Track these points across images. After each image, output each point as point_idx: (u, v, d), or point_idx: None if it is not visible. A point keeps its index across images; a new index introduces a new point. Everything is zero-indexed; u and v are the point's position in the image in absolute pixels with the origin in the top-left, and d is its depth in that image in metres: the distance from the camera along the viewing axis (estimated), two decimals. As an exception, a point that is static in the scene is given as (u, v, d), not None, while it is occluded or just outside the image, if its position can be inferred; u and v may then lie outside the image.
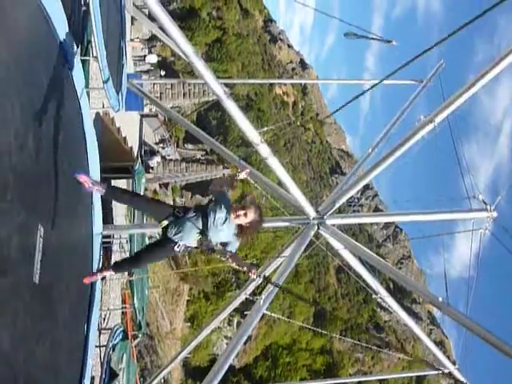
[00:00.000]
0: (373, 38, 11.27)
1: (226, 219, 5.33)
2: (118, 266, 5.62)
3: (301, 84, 70.94)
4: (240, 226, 5.38)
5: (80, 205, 6.39)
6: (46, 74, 5.11)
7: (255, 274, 5.60)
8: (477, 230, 7.86)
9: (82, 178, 5.02)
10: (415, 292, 7.99)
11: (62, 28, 5.62)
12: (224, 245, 5.49)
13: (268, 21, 70.55)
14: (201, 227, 5.28)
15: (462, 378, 10.44)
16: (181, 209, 5.48)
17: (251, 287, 9.73)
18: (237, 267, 5.66)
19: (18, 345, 3.87)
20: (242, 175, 5.77)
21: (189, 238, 5.33)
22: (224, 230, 5.33)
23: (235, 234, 5.41)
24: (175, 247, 5.33)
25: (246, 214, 5.31)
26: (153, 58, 32.23)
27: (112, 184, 5.60)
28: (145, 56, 32.06)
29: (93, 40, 9.11)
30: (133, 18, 26.01)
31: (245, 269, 5.58)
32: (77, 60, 6.15)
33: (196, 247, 5.48)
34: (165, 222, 5.36)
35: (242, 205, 5.42)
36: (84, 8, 10.12)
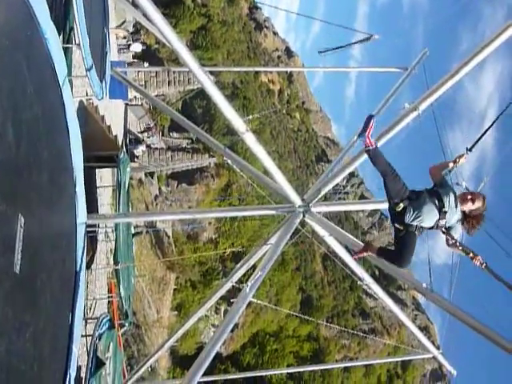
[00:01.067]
0: (349, 45, 11.29)
1: (456, 203, 5.60)
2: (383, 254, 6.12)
3: (286, 72, 70.70)
4: (464, 214, 5.66)
5: (63, 194, 6.32)
6: (26, 62, 5.03)
7: (479, 261, 5.67)
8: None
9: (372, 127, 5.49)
10: (400, 279, 8.06)
11: (43, 15, 5.53)
12: (448, 229, 5.75)
13: (253, 8, 70.05)
14: (439, 207, 5.55)
15: (445, 363, 10.63)
16: (412, 192, 5.71)
17: (237, 275, 9.77)
18: (462, 253, 5.81)
19: (13, 336, 3.85)
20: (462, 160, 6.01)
21: (428, 219, 5.59)
22: (455, 213, 5.61)
23: (459, 220, 5.70)
24: (416, 231, 5.62)
25: (473, 200, 5.54)
26: (137, 47, 31.90)
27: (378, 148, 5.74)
28: (129, 45, 31.72)
29: (75, 27, 8.99)
30: (116, 5, 25.66)
31: (471, 255, 5.70)
32: (59, 47, 6.05)
33: (430, 228, 5.76)
34: (401, 205, 5.61)
35: (471, 191, 5.70)
36: (66, -6, 9.99)
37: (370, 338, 53.77)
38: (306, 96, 79.97)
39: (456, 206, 5.64)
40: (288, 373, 46.72)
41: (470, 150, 6.27)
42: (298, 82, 76.84)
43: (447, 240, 5.84)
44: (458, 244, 5.72)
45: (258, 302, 8.69)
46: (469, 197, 5.59)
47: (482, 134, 6.55)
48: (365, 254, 6.67)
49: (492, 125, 6.61)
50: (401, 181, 5.78)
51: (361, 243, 7.97)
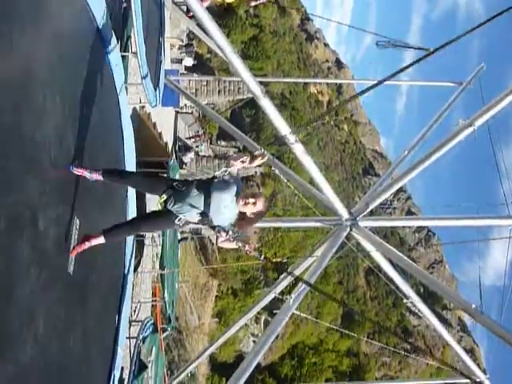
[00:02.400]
0: (406, 47, 11.07)
1: (230, 203, 4.96)
2: (109, 230, 5.02)
3: (336, 83, 70.37)
4: (241, 214, 5.03)
5: (116, 198, 6.49)
6: (86, 68, 5.21)
7: (252, 248, 5.21)
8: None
9: (78, 170, 4.79)
10: (447, 298, 7.86)
11: (103, 23, 5.72)
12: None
13: (305, 19, 70.22)
14: (202, 208, 4.90)
15: (492, 388, 10.23)
16: (181, 182, 5.10)
17: (281, 286, 9.73)
18: (234, 246, 5.19)
19: (50, 335, 3.96)
20: (258, 161, 5.21)
21: (190, 214, 4.98)
22: (225, 213, 4.96)
23: (233, 223, 5.03)
24: (176, 220, 5.00)
25: (255, 204, 4.93)
26: (189, 62, 32.55)
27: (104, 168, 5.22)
28: (181, 59, 32.40)
29: (132, 36, 9.23)
30: (171, 14, 26.24)
31: (246, 247, 5.14)
32: (117, 55, 6.24)
33: (197, 223, 5.14)
34: (164, 196, 5.02)
35: (253, 193, 5.03)
36: (125, 4, 10.28)
37: (411, 357, 52.42)
38: (355, 108, 79.32)
39: (232, 203, 4.97)
40: (326, 387, 46.09)
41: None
42: (347, 93, 76.28)
43: (217, 238, 5.15)
44: (231, 239, 5.03)
45: (301, 314, 8.63)
46: (251, 201, 4.91)
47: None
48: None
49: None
50: (150, 179, 5.55)
51: (410, 261, 7.82)
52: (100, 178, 5.02)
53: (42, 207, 3.86)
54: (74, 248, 4.62)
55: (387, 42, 10.42)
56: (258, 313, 38.44)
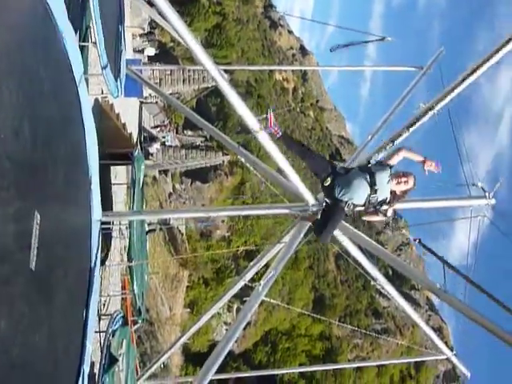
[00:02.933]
0: (361, 43, 11.19)
1: (388, 181, 5.69)
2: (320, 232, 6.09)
3: (301, 70, 70.54)
4: (393, 192, 5.77)
5: (78, 191, 6.38)
6: (43, 60, 5.08)
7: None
8: (475, 217, 7.86)
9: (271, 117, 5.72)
10: (413, 279, 8.02)
11: (60, 13, 5.58)
12: (380, 203, 5.87)
13: (268, 6, 69.99)
14: (370, 182, 5.66)
15: (459, 364, 10.54)
16: (341, 167, 5.91)
17: (251, 273, 9.77)
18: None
19: (14, 332, 3.89)
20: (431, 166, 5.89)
21: (358, 195, 5.70)
22: (384, 190, 5.71)
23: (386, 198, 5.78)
24: (346, 207, 5.73)
25: (406, 182, 5.69)
26: (151, 52, 32.19)
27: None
28: (143, 49, 31.96)
29: (91, 25, 9.06)
30: (131, 3, 25.79)
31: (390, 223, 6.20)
32: (75, 46, 6.10)
33: (362, 205, 5.85)
34: (329, 180, 5.75)
35: (404, 172, 5.76)
36: (82, -7, 10.06)
37: (382, 337, 53.51)
38: (320, 94, 79.74)
39: (388, 183, 5.75)
40: (300, 372, 46.69)
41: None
42: (312, 80, 76.67)
43: (366, 209, 5.96)
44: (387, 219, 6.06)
45: (271, 300, 8.69)
46: (403, 179, 5.69)
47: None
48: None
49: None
50: (319, 157, 6.24)
51: (377, 244, 7.94)
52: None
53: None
54: None
55: (340, 45, 10.53)
56: (230, 301, 38.56)
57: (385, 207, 5.90)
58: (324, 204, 6.15)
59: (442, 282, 7.10)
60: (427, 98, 7.86)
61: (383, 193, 5.74)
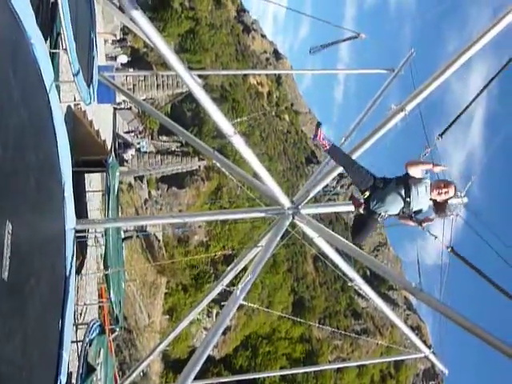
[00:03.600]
0: (339, 41, 11.35)
1: (426, 191, 5.90)
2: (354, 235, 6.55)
3: (275, 74, 70.82)
4: (435, 201, 5.99)
5: (51, 200, 6.30)
6: (12, 68, 5.01)
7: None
8: (448, 216, 7.98)
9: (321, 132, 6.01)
10: (389, 278, 8.11)
11: (29, 20, 5.51)
12: (416, 213, 6.11)
13: (241, 11, 70.17)
14: (404, 196, 5.91)
15: (437, 362, 10.69)
16: (380, 179, 6.09)
17: (228, 278, 9.76)
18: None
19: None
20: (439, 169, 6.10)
21: (392, 208, 6.00)
22: (422, 201, 5.94)
23: (430, 207, 6.06)
24: (379, 218, 6.05)
25: (447, 193, 5.85)
26: (123, 59, 31.95)
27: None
28: (116, 56, 31.70)
29: (62, 32, 8.96)
30: (103, 9, 25.60)
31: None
32: (45, 53, 6.03)
33: (397, 214, 6.15)
34: (366, 194, 6.05)
35: (445, 182, 5.92)
36: (52, 0, 9.95)
37: (362, 338, 53.90)
38: (294, 98, 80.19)
39: (427, 194, 5.97)
40: (281, 375, 46.68)
41: (441, 135, 6.57)
42: (286, 84, 76.99)
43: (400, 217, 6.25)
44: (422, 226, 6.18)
45: (250, 304, 8.70)
46: (444, 190, 5.86)
47: (461, 112, 6.79)
48: (354, 205, 6.88)
49: (478, 95, 6.83)
50: (363, 170, 6.20)
51: (352, 245, 7.99)
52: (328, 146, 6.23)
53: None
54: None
55: (319, 46, 10.68)
56: (210, 306, 38.46)
57: (420, 217, 6.16)
58: (360, 213, 6.47)
59: (417, 281, 7.19)
60: (400, 100, 7.96)
61: (420, 204, 6.00)
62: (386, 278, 8.05)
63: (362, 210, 6.35)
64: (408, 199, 5.92)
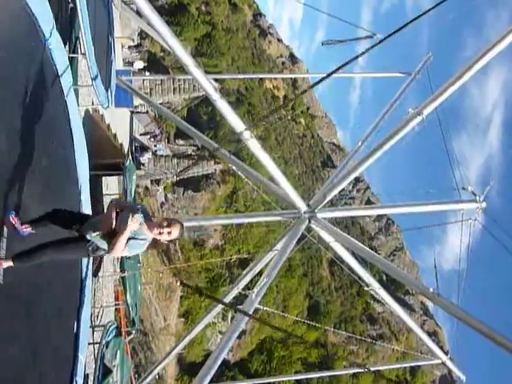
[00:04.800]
0: (353, 39, 11.25)
1: (141, 225, 4.99)
2: (17, 258, 4.81)
3: (291, 78, 70.73)
4: (154, 239, 5.09)
5: (69, 202, 6.35)
6: (32, 72, 5.08)
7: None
8: (466, 220, 7.89)
9: (14, 220, 4.76)
10: (406, 283, 8.04)
11: (48, 26, 5.58)
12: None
13: (257, 15, 70.29)
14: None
15: (454, 368, 10.56)
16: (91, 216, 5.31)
17: (244, 282, 9.75)
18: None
19: (6, 344, 3.85)
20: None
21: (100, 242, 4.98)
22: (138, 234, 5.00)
23: (147, 245, 5.12)
24: (87, 245, 4.91)
25: (170, 233, 4.96)
26: (140, 65, 32.25)
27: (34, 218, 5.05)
28: (132, 62, 32.00)
29: (81, 37, 9.05)
30: (121, 14, 25.87)
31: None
32: (64, 58, 6.10)
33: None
34: (76, 226, 5.03)
35: (168, 221, 5.02)
36: (71, 5, 10.06)
37: (378, 343, 53.42)
38: (310, 102, 79.99)
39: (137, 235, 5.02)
40: (296, 379, 46.47)
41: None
42: (302, 87, 76.84)
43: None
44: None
45: (265, 308, 8.68)
46: (165, 230, 4.96)
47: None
48: None
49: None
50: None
51: (369, 249, 7.95)
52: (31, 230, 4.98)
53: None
54: None
55: (333, 40, 10.58)
56: (225, 310, 38.44)
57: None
58: None
59: (434, 287, 7.12)
60: (417, 104, 7.91)
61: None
62: (403, 282, 7.99)
63: None
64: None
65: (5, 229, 4.52)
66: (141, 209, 5.13)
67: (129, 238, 4.90)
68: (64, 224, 5.12)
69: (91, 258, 6.85)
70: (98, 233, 4.89)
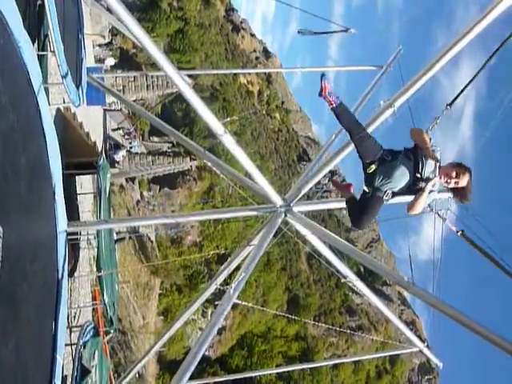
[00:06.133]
0: (328, 32, 11.32)
1: (434, 174, 5.16)
2: (349, 205, 5.72)
3: (265, 73, 70.83)
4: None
5: (42, 202, 6.27)
6: (1, 71, 4.99)
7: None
8: (439, 210, 8.02)
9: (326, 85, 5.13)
10: (381, 274, 8.14)
11: (16, 23, 5.48)
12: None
13: (230, 10, 70.14)
14: (414, 171, 5.14)
15: (431, 356, 10.75)
16: (388, 151, 5.30)
17: (222, 277, 9.75)
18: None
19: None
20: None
21: (400, 184, 5.21)
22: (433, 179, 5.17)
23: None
24: (384, 196, 5.24)
25: (457, 183, 5.08)
26: (111, 61, 31.95)
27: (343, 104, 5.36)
28: (104, 59, 31.70)
29: (50, 34, 8.92)
30: (91, 10, 25.51)
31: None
32: (33, 55, 6.00)
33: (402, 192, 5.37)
34: (373, 167, 5.21)
35: (457, 169, 5.09)
36: (39, 2, 9.90)
37: (357, 334, 54.07)
38: (285, 96, 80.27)
39: (435, 176, 5.19)
40: (277, 373, 46.79)
41: (450, 105, 6.18)
42: (276, 82, 77.03)
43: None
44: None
45: (243, 303, 8.70)
46: (453, 179, 5.07)
47: (466, 86, 6.48)
48: (340, 189, 6.33)
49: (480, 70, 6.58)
50: (371, 140, 5.40)
51: (344, 241, 8.02)
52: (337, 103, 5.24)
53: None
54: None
55: (308, 30, 10.63)
56: (205, 306, 38.45)
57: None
58: (363, 191, 5.54)
59: (414, 277, 7.23)
60: (389, 97, 7.99)
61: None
62: (378, 273, 8.07)
63: (364, 189, 5.48)
64: (418, 174, 5.13)
65: None
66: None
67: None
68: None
69: (66, 258, 6.79)
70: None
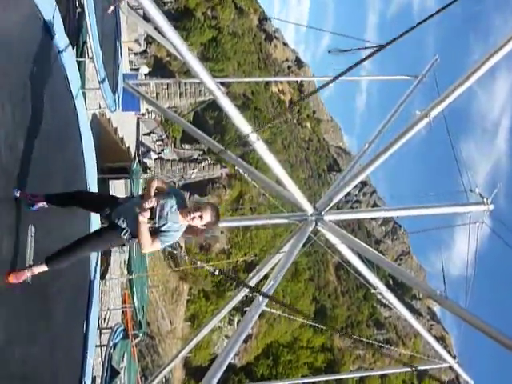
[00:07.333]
0: (356, 49, 11.27)
1: (174, 212, 4.82)
2: (52, 260, 4.58)
3: (297, 82, 70.82)
4: (190, 226, 4.89)
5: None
6: (41, 75, 5.12)
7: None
8: (474, 223, 7.85)
9: (21, 194, 4.53)
10: (413, 286, 8.00)
11: (56, 30, 5.63)
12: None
13: (263, 19, 70.50)
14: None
15: (462, 372, 10.49)
16: (125, 199, 5.05)
17: (251, 284, 9.72)
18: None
19: (13, 346, 3.88)
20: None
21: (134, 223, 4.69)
22: (170, 223, 4.80)
23: (182, 231, 4.93)
24: (122, 234, 4.74)
25: (201, 217, 4.77)
26: (145, 70, 32.47)
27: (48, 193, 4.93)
28: (138, 68, 32.25)
29: (88, 41, 9.14)
30: (127, 19, 26.02)
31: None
32: (72, 61, 6.16)
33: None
34: (107, 210, 4.83)
35: (197, 206, 4.84)
36: (79, 9, 10.16)
37: (385, 348, 53.14)
38: (316, 106, 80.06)
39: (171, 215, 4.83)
40: (302, 383, 46.35)
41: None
42: (308, 91, 76.92)
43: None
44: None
45: (272, 310, 8.66)
46: (196, 214, 4.77)
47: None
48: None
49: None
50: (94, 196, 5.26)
51: (375, 252, 7.93)
52: (43, 203, 4.77)
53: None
54: (11, 273, 4.15)
55: (338, 50, 10.62)
56: (232, 314, 38.43)
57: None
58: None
59: (442, 290, 7.08)
60: (423, 107, 7.89)
61: (166, 224, 4.87)
62: (410, 285, 7.93)
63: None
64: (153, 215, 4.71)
65: (30, 234, 4.46)
66: (173, 193, 4.92)
67: (160, 231, 4.72)
68: (94, 206, 5.01)
69: (99, 260, 6.89)
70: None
